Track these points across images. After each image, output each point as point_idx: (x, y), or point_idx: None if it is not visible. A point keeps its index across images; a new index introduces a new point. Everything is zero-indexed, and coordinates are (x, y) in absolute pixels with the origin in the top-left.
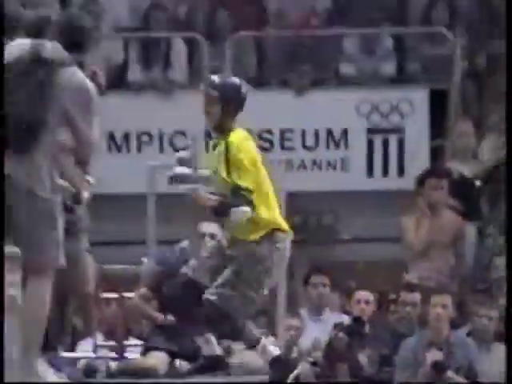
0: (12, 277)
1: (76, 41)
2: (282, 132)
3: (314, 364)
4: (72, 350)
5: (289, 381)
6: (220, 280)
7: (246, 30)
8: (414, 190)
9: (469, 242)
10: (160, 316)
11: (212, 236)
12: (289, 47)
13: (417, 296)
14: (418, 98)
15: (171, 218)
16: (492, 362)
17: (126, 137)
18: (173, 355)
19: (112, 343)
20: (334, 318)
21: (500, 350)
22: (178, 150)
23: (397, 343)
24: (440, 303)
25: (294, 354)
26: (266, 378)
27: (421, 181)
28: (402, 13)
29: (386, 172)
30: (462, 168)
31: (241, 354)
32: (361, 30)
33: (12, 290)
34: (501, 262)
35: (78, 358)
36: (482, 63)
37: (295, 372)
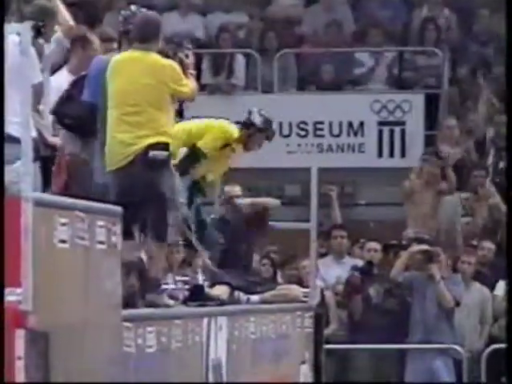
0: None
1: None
2: (315, 123)
3: (336, 294)
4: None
5: (315, 304)
6: None
7: (288, 47)
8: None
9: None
10: None
11: None
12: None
13: (425, 247)
14: (416, 100)
15: None
16: (471, 294)
17: None
18: (233, 288)
19: (187, 278)
20: (351, 261)
21: (476, 287)
22: None
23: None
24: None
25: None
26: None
27: (422, 158)
28: (404, 34)
29: (392, 154)
30: (449, 150)
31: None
32: (375, 49)
33: None
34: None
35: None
36: (463, 73)
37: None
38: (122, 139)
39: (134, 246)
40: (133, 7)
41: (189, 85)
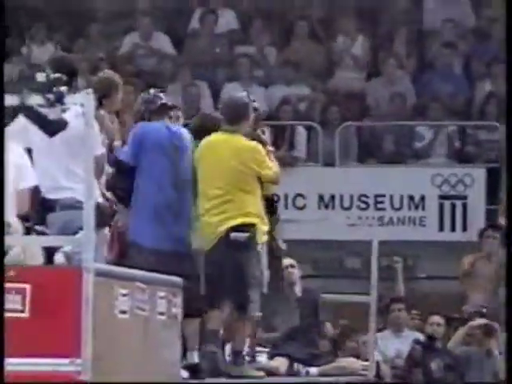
0: None
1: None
2: (376, 196)
3: (393, 368)
4: None
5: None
6: None
7: (349, 120)
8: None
9: None
10: None
11: None
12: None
13: (483, 321)
14: (478, 174)
15: None
16: None
17: None
18: (292, 360)
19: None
20: (411, 335)
21: None
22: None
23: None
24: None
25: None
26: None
27: (482, 232)
28: (466, 108)
29: (453, 228)
30: None
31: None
32: (437, 123)
33: None
34: None
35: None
36: None
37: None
38: (208, 221)
39: (218, 316)
40: (152, 91)
41: (273, 168)
